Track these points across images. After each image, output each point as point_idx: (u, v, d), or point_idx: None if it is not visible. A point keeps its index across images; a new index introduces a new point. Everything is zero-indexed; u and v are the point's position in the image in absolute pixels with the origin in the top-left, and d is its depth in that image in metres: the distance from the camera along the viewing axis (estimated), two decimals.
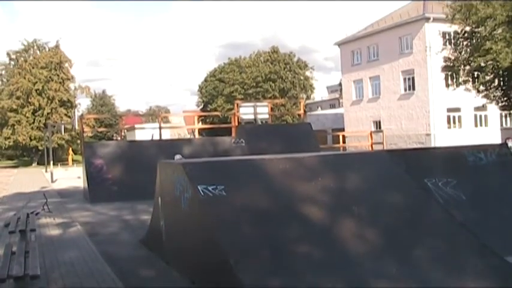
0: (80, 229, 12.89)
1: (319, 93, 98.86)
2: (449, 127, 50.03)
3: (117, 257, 9.78)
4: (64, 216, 15.31)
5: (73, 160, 55.44)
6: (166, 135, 53.58)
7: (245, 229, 7.40)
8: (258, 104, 27.64)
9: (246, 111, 26.18)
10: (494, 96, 27.45)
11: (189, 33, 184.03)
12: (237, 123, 25.15)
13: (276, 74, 79.27)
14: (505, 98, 27.20)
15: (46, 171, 39.58)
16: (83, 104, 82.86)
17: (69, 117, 59.36)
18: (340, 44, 62.10)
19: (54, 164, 37.89)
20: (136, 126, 71.76)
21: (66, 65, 64.52)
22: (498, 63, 24.01)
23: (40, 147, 58.06)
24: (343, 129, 54.72)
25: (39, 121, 59.34)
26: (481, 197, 10.22)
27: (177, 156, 16.27)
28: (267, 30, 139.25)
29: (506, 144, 17.42)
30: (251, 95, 74.74)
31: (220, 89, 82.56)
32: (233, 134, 24.28)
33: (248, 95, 75.27)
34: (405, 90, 52.21)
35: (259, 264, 6.91)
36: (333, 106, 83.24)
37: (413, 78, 50.90)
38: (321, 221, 8.05)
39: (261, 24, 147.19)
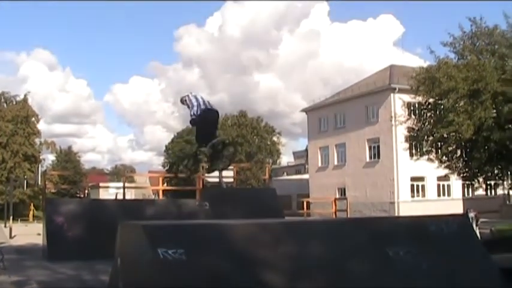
0: None
1: (286, 158, 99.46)
2: (413, 196, 50.54)
3: None
4: (20, 274, 14.93)
5: (34, 216, 54.35)
6: (131, 195, 53.17)
7: None
8: None
9: (211, 174, 26.14)
10: (456, 167, 27.87)
11: (157, 93, 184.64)
12: (201, 186, 25.08)
13: (243, 137, 79.60)
14: (466, 169, 27.62)
15: (5, 226, 38.76)
16: (48, 159, 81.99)
17: (32, 172, 58.60)
18: (307, 111, 62.92)
19: (14, 219, 37.12)
20: (100, 184, 71.09)
21: (33, 119, 64.14)
22: (460, 135, 24.50)
23: (0, 202, 57.01)
24: (308, 195, 54.84)
25: (2, 175, 58.40)
26: (441, 267, 10.27)
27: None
28: (236, 94, 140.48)
29: (467, 214, 17.69)
30: None
31: (187, 151, 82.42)
32: (197, 197, 24.19)
33: None
34: (370, 158, 52.85)
35: None
36: (298, 172, 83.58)
37: (378, 147, 51.64)
38: None
39: (229, 88, 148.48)
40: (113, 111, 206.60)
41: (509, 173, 27.29)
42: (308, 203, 39.93)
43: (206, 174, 25.80)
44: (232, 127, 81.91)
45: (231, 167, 28.94)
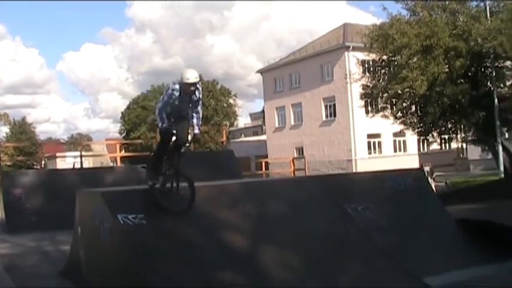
0: None
1: (243, 120, 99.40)
2: (370, 153, 51.17)
3: None
4: None
5: None
6: (89, 163, 52.62)
7: (167, 257, 7.34)
8: None
9: None
10: (411, 122, 28.20)
11: (110, 59, 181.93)
12: None
13: None
14: (421, 124, 27.96)
15: None
16: (1, 131, 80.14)
17: None
18: (262, 72, 62.81)
19: None
20: (57, 154, 70.29)
21: None
22: (414, 91, 24.72)
23: None
24: (266, 156, 55.02)
25: None
26: (399, 220, 10.49)
27: None
28: (191, 57, 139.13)
29: (423, 168, 18.01)
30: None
31: (143, 117, 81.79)
32: None
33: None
34: (327, 117, 53.19)
35: None
36: (256, 133, 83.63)
37: (334, 105, 51.96)
38: (243, 248, 8.08)
39: (184, 52, 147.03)
40: (66, 80, 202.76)
41: (462, 126, 27.70)
42: (266, 164, 40.06)
43: None
44: None
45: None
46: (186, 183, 8.56)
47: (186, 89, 8.61)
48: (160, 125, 8.70)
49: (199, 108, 8.97)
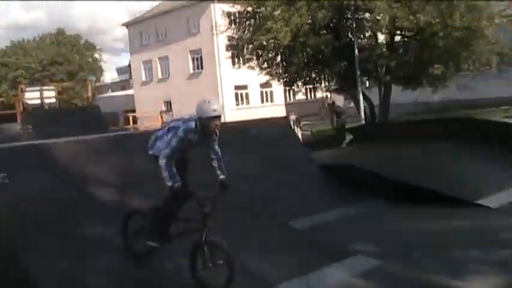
0: None
1: (110, 75, 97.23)
2: (237, 104, 51.76)
3: None
4: None
5: None
6: None
7: (31, 218, 7.12)
8: (44, 88, 26.62)
9: (32, 95, 25.11)
10: (276, 73, 28.62)
11: None
12: (22, 109, 24.09)
13: (62, 56, 76.83)
14: (286, 75, 28.47)
15: None
16: None
17: None
18: (128, 25, 61.64)
19: None
20: None
21: None
22: (278, 42, 25.08)
23: None
24: (135, 111, 54.42)
25: None
26: (265, 167, 10.79)
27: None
28: (53, 11, 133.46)
29: (288, 117, 18.53)
30: (38, 80, 71.70)
31: (3, 74, 78.22)
32: (19, 120, 23.24)
33: (35, 79, 72.14)
34: (194, 69, 53.17)
35: (48, 251, 6.73)
36: (123, 88, 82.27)
37: (201, 58, 51.98)
38: (114, 203, 8.03)
39: (46, 5, 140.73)
40: None
41: (325, 76, 28.47)
42: (134, 118, 39.60)
43: (26, 96, 24.84)
44: (50, 46, 78.66)
45: (51, 87, 27.99)
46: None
47: (210, 125, 6.49)
48: (170, 184, 6.57)
49: (216, 147, 6.88)
